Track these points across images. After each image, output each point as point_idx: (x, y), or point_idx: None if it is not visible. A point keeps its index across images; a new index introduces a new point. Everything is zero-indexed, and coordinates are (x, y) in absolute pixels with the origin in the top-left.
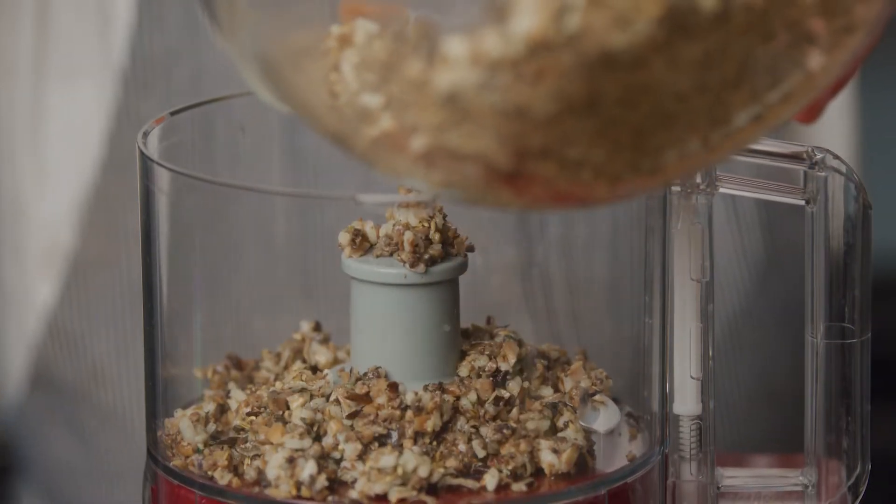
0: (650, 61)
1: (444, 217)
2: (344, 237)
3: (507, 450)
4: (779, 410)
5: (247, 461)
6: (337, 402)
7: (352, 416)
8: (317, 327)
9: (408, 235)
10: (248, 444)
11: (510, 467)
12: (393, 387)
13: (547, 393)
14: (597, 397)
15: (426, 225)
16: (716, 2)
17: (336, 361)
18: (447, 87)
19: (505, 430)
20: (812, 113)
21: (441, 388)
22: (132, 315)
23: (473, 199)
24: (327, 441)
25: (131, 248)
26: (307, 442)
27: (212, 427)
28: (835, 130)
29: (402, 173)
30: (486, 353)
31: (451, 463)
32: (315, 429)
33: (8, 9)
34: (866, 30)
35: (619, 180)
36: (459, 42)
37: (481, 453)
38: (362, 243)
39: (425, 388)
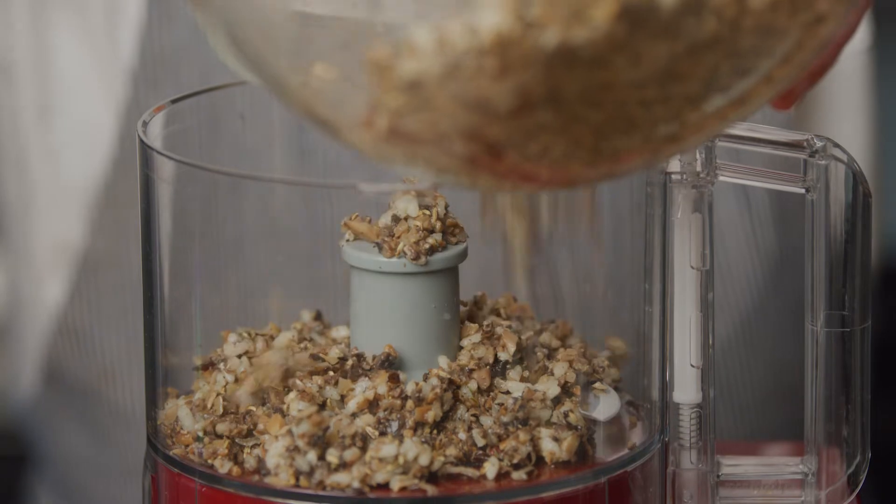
0: (611, 59)
1: (447, 207)
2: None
3: (507, 444)
4: (792, 405)
5: (246, 450)
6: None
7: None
8: (317, 317)
9: (408, 237)
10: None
11: (514, 461)
12: (394, 377)
13: (547, 383)
14: (597, 385)
15: (427, 213)
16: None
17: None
18: (411, 74)
19: (504, 420)
20: (788, 100)
21: (441, 377)
22: (142, 313)
23: (461, 183)
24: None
25: (140, 246)
26: (307, 430)
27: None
28: (849, 120)
29: (366, 150)
30: (486, 342)
31: (452, 451)
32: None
33: (4, 7)
34: (837, 21)
35: (575, 177)
36: (426, 31)
37: (481, 442)
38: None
39: (425, 377)
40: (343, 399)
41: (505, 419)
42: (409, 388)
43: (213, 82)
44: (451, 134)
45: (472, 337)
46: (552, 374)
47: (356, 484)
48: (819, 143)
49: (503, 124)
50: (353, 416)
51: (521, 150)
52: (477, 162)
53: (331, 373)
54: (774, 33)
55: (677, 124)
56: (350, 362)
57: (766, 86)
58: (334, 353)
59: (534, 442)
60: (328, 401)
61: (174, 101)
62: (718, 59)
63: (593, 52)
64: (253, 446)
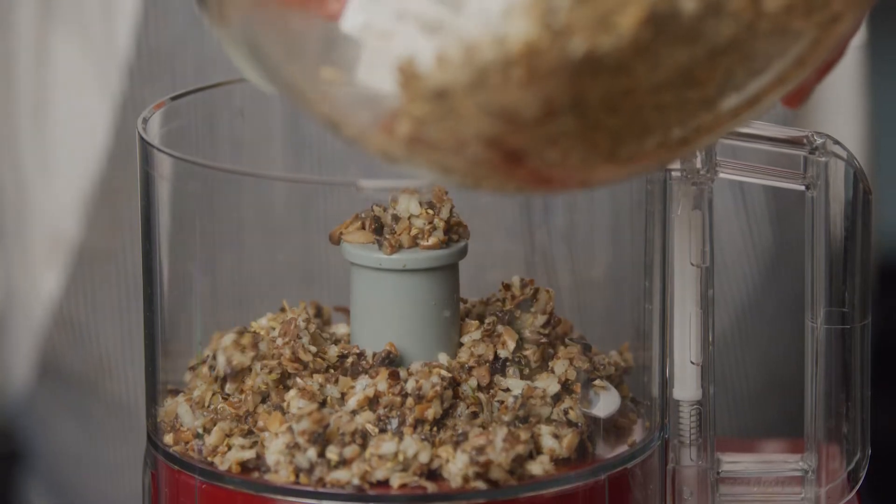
0: (634, 65)
1: (452, 207)
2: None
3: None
4: (787, 402)
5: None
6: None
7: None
8: (317, 312)
9: (413, 229)
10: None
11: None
12: (394, 374)
13: (547, 381)
14: (597, 382)
15: (430, 212)
16: (697, 4)
17: None
18: (438, 83)
19: (504, 418)
20: (798, 97)
21: (441, 374)
22: (138, 306)
23: (465, 183)
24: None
25: (136, 238)
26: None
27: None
28: (843, 116)
29: (389, 155)
30: (486, 339)
31: (451, 449)
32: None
33: (9, 2)
34: (852, 19)
35: (587, 180)
36: (454, 42)
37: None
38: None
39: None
40: (343, 396)
41: (505, 417)
42: (409, 386)
43: (208, 76)
44: (472, 141)
45: (473, 334)
46: (552, 371)
47: (356, 481)
48: (819, 140)
49: (526, 132)
50: (354, 413)
51: (540, 156)
52: (494, 167)
53: (331, 370)
54: (790, 34)
55: (690, 127)
56: (350, 360)
57: (780, 85)
58: (334, 351)
59: (534, 439)
60: (328, 398)
61: (173, 99)
62: (735, 61)
63: (618, 58)
64: (253, 443)
